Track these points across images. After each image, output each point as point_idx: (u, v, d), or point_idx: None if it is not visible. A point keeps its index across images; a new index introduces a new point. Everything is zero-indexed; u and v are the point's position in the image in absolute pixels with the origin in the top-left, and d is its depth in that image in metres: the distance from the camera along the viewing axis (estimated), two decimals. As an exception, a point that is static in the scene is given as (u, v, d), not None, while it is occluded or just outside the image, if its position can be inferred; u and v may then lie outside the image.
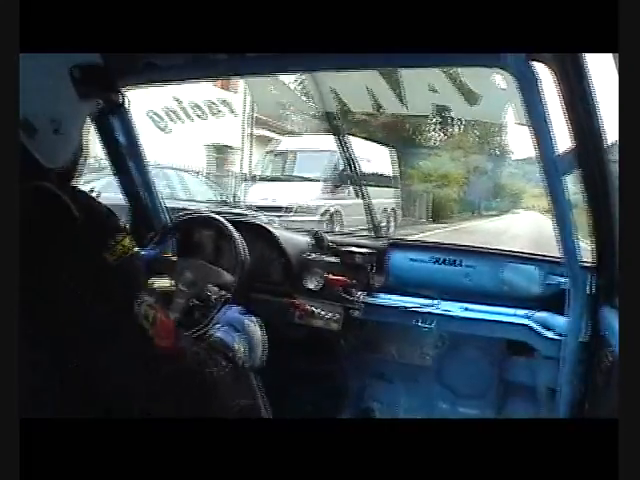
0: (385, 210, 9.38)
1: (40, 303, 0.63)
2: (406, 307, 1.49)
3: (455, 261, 1.57)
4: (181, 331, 0.75)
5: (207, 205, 5.54)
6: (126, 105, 0.88)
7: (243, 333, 0.95)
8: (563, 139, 1.03)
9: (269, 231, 1.66)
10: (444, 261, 1.58)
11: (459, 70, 1.19)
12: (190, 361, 0.73)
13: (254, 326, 1.00)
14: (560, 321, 1.35)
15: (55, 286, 0.63)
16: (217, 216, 1.58)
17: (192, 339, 0.78)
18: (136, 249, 0.69)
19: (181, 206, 2.62)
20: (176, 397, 0.71)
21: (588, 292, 1.25)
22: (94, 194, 0.74)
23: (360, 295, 1.50)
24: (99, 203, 0.69)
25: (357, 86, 1.32)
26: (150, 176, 1.78)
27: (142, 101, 1.43)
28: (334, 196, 8.05)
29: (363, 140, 8.97)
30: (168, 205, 1.82)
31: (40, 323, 0.63)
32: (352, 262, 1.54)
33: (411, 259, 1.63)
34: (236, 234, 1.49)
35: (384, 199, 8.99)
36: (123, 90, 0.94)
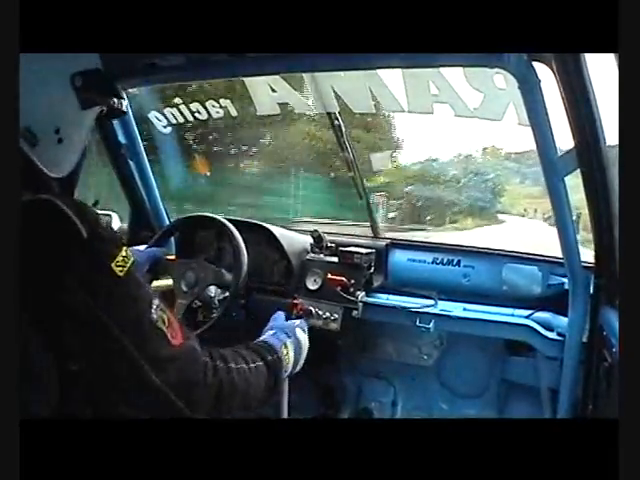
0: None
1: (53, 321, 0.62)
2: (405, 307, 1.49)
3: (454, 261, 1.57)
4: (187, 329, 0.75)
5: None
6: (127, 109, 0.87)
7: (294, 338, 0.98)
8: (564, 139, 1.03)
9: (269, 231, 1.66)
10: (443, 261, 1.59)
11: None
12: (198, 357, 0.73)
13: (303, 333, 1.03)
14: (561, 321, 1.35)
15: (66, 304, 0.62)
16: (217, 216, 1.57)
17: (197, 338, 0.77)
18: (133, 258, 0.68)
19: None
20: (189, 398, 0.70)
21: (589, 292, 1.25)
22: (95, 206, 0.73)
23: (359, 295, 1.50)
24: (100, 217, 0.69)
25: (357, 86, 1.31)
26: (151, 177, 1.79)
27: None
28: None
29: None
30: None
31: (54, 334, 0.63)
32: (351, 262, 1.54)
33: (410, 259, 1.63)
34: (236, 234, 1.49)
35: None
36: (124, 93, 0.93)
